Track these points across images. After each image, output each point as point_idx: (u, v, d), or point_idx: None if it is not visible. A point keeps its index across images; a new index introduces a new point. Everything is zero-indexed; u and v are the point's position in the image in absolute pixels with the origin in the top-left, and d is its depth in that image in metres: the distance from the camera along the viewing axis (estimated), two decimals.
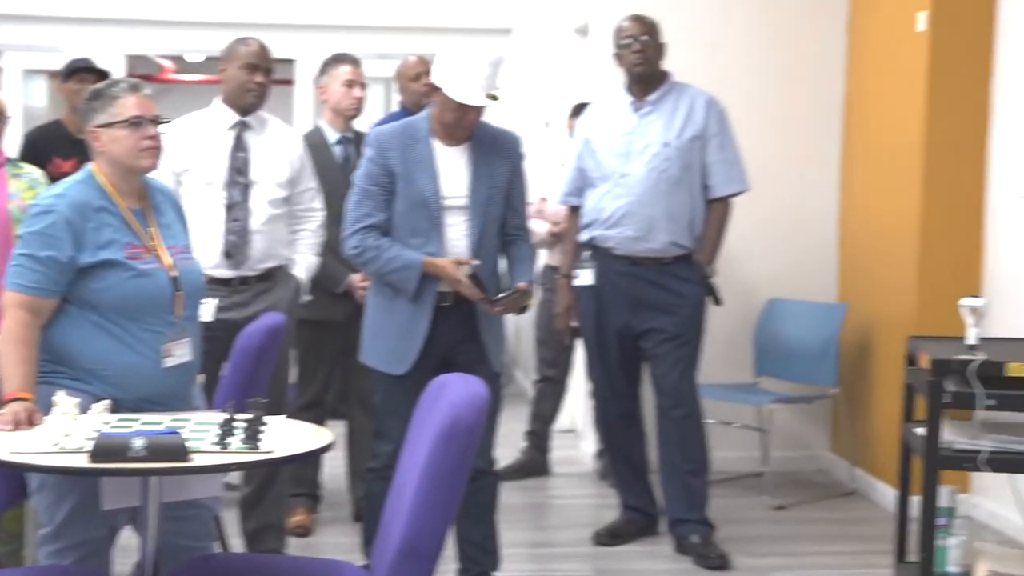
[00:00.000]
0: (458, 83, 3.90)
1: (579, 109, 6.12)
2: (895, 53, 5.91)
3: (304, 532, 4.93)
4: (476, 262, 4.01)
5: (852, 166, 6.28)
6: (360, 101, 5.05)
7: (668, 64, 4.97)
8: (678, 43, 5.40)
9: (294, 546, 4.69)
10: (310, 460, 4.88)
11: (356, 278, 4.64)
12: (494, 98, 3.99)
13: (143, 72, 11.35)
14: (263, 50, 4.46)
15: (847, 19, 6.32)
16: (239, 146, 4.39)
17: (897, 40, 5.85)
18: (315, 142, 4.90)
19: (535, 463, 6.13)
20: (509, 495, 5.24)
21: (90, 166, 3.35)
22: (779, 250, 6.26)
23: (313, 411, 4.89)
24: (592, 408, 5.71)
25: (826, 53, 6.42)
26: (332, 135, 4.98)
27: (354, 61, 5.07)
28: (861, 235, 6.18)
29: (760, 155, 5.72)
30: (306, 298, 4.76)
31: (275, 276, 4.46)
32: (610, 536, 4.95)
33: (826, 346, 5.84)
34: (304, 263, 4.58)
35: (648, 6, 5.33)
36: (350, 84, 5.01)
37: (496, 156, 4.12)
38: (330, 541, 4.85)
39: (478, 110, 3.97)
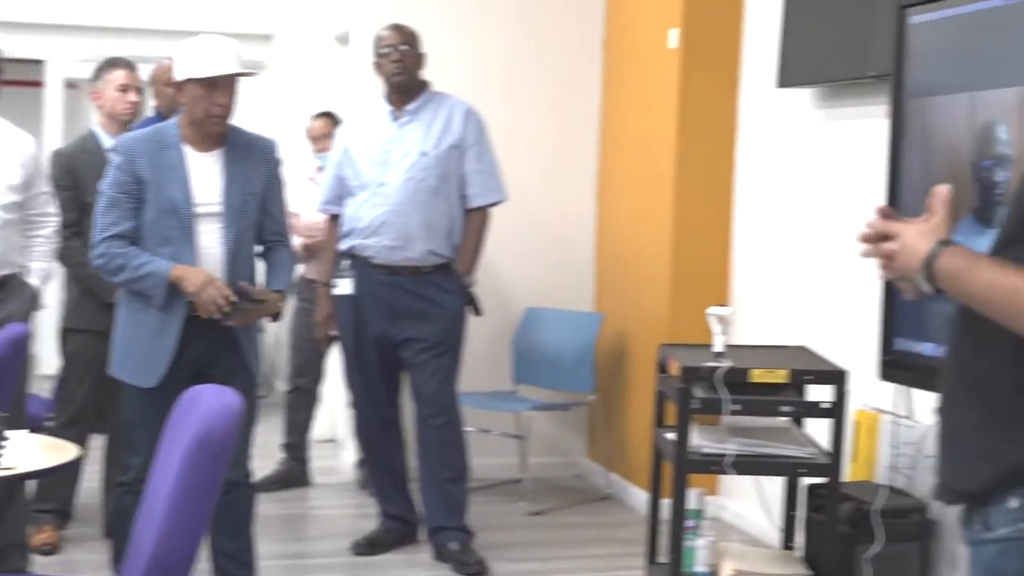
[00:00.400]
0: (203, 61, 3.90)
1: (323, 116, 6.30)
2: (648, 69, 6.06)
3: (51, 550, 4.82)
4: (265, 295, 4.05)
5: (608, 179, 6.44)
6: (135, 106, 5.01)
7: (428, 74, 4.99)
8: (438, 53, 5.44)
9: (40, 565, 4.58)
10: (61, 475, 4.69)
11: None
12: (249, 71, 4.02)
13: None
14: None
15: (602, 35, 6.43)
16: None
17: (650, 56, 6.00)
18: (90, 147, 4.86)
19: (294, 474, 6.07)
20: (266, 507, 5.22)
21: None
22: (537, 260, 6.34)
23: (75, 426, 4.83)
24: (352, 417, 5.67)
25: (582, 68, 6.58)
26: (107, 140, 4.88)
27: (129, 65, 5.01)
28: (617, 246, 6.33)
29: (518, 166, 5.85)
30: (65, 309, 4.76)
31: (8, 285, 4.38)
32: (369, 546, 4.95)
33: (582, 354, 5.91)
34: (39, 270, 4.51)
35: (408, 16, 5.35)
36: (124, 89, 4.96)
37: (251, 161, 4.09)
38: (80, 558, 4.76)
39: (229, 92, 3.95)
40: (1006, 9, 3.25)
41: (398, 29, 4.85)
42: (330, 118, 6.30)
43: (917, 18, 3.88)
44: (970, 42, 3.71)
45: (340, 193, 4.93)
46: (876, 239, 2.11)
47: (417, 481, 4.99)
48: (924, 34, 3.88)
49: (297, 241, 5.73)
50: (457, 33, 6.14)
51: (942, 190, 2.12)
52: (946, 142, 3.82)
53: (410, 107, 4.83)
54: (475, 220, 4.90)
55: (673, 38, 5.66)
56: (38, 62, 8.85)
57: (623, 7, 6.34)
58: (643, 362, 5.69)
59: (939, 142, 3.83)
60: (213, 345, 3.98)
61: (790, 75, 5.04)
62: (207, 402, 2.86)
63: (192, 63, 3.91)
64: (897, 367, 3.87)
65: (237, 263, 3.98)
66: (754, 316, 5.41)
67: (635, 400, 5.87)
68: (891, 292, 3.91)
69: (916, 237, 2.02)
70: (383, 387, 4.97)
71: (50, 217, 4.55)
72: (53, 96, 8.76)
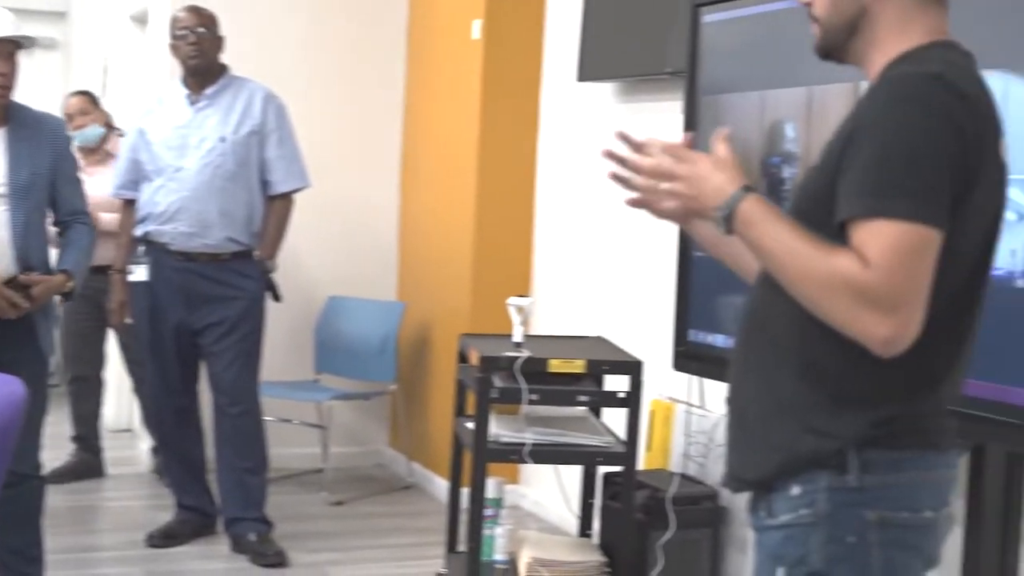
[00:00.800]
0: None
1: (80, 95, 6.23)
2: (451, 60, 6.06)
3: None
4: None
5: (412, 168, 6.43)
6: None
7: (227, 58, 4.95)
8: (237, 37, 5.39)
9: None
10: None
11: None
12: (29, 38, 3.93)
13: None
14: None
15: (407, 22, 6.41)
16: None
17: (453, 47, 6.00)
18: None
19: (86, 465, 5.93)
20: (57, 499, 5.16)
21: None
22: (339, 248, 6.31)
23: None
24: (143, 407, 5.69)
25: (386, 54, 6.54)
26: None
27: None
28: (420, 236, 6.34)
29: (321, 153, 5.80)
30: None
31: None
32: (164, 537, 4.90)
33: (384, 344, 5.93)
34: None
35: None
36: None
37: (38, 140, 4.01)
38: None
39: (7, 61, 3.86)
40: (792, 11, 3.29)
41: (195, 11, 4.82)
42: (87, 96, 6.23)
43: (709, 17, 3.95)
44: (760, 42, 3.78)
45: (135, 177, 4.86)
46: (655, 172, 2.11)
47: (216, 472, 4.94)
48: (716, 33, 3.95)
49: None
50: (257, 17, 6.09)
51: (723, 130, 2.13)
52: (737, 138, 3.83)
53: (208, 91, 4.78)
54: (277, 207, 4.88)
55: (476, 29, 5.65)
56: None
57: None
58: (445, 352, 5.74)
59: (731, 138, 3.79)
60: (4, 329, 3.89)
61: (590, 69, 5.08)
62: None
63: None
64: (690, 358, 3.94)
65: (27, 246, 3.88)
66: (554, 307, 5.47)
67: (436, 390, 5.91)
68: (685, 285, 4.00)
69: (712, 168, 2.02)
70: (179, 376, 4.91)
71: None
72: None
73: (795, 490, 2.06)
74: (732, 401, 2.20)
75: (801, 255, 1.93)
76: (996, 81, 2.51)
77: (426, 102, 6.29)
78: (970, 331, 2.06)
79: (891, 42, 2.02)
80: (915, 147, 1.88)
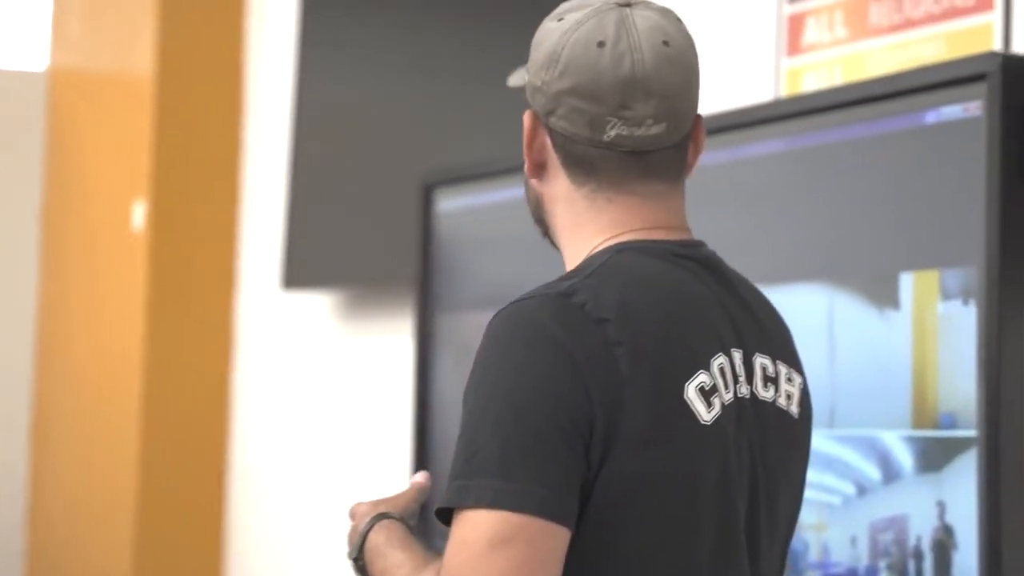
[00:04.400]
0: None
1: None
2: (108, 253, 4.89)
3: None
4: None
5: (43, 421, 5.33)
6: None
7: None
8: None
9: None
10: None
11: None
12: None
13: None
14: None
15: (40, 200, 5.26)
16: None
17: (110, 237, 4.83)
18: None
19: None
20: None
21: None
22: None
23: None
24: None
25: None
26: None
27: None
28: (55, 512, 5.16)
29: None
30: None
31: None
32: None
33: None
34: None
35: None
36: None
37: None
38: None
39: None
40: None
41: None
42: None
43: (447, 203, 3.44)
44: (520, 234, 3.39)
45: None
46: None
47: None
48: (460, 223, 3.47)
49: None
50: None
51: (419, 478, 1.71)
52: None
53: None
54: None
55: (137, 217, 4.50)
56: None
57: (68, 157, 5.30)
58: None
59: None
60: None
61: (299, 267, 4.19)
62: None
63: None
64: None
65: None
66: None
67: None
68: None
69: (363, 512, 1.57)
70: None
71: None
72: None
73: None
74: None
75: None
76: (796, 293, 2.45)
77: (70, 307, 5.15)
78: None
79: (570, 242, 1.65)
80: (506, 403, 1.55)
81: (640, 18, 1.37)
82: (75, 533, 5.00)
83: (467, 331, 3.01)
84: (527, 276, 2.78)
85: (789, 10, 2.73)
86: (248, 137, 4.64)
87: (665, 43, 1.36)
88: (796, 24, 2.73)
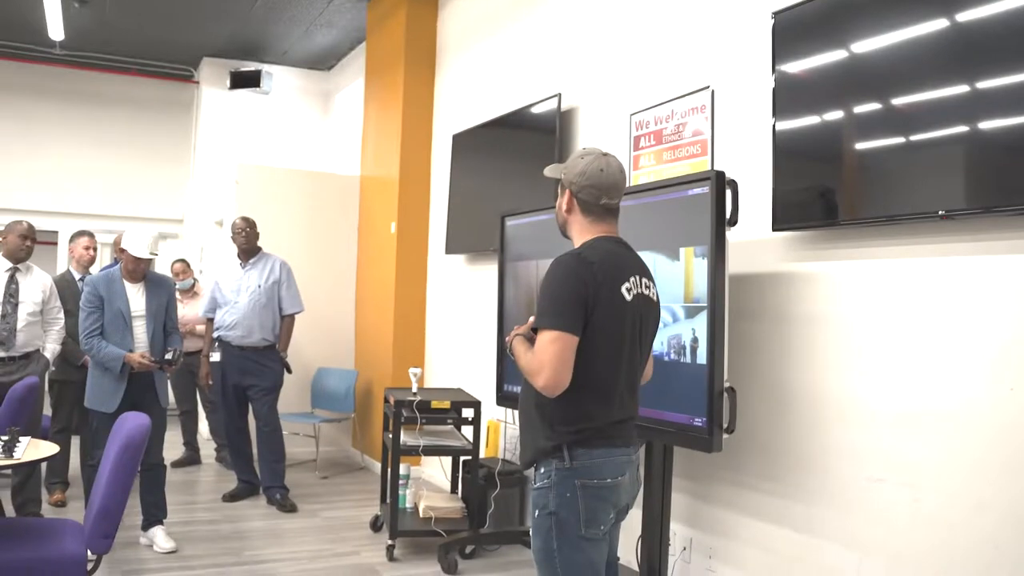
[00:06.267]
0: (134, 246, 4.35)
1: (180, 261, 6.77)
2: (381, 243, 6.49)
3: (62, 503, 5.29)
4: (168, 355, 4.41)
5: (361, 299, 6.97)
6: (93, 258, 5.53)
7: (261, 242, 5.61)
8: (265, 231, 5.91)
9: (52, 513, 5.00)
10: (59, 458, 5.15)
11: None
12: (154, 255, 4.41)
13: None
14: (30, 228, 4.85)
15: (358, 219, 6.77)
16: (11, 281, 4.76)
17: (382, 236, 6.37)
18: (68, 279, 5.35)
19: (192, 459, 6.72)
20: (176, 476, 6.13)
21: None
22: (322, 341, 6.99)
23: (63, 432, 5.21)
24: (217, 428, 6.52)
25: (347, 239, 7.08)
26: (76, 276, 5.42)
27: (90, 234, 5.58)
28: (364, 331, 6.90)
29: (312, 289, 6.49)
30: (52, 368, 5.01)
31: (32, 356, 4.76)
32: (231, 496, 5.62)
33: (348, 392, 6.68)
34: (50, 349, 4.87)
35: (251, 212, 5.92)
36: (87, 247, 5.48)
37: (158, 289, 4.52)
38: (76, 507, 5.12)
39: (146, 262, 4.41)
40: (550, 220, 3.39)
41: (244, 218, 5.64)
42: (184, 263, 6.95)
43: (510, 222, 4.48)
44: (534, 235, 4.28)
45: (214, 306, 5.66)
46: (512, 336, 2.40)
47: (257, 461, 5.65)
48: (513, 230, 4.45)
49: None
50: (279, 219, 6.90)
51: (531, 320, 2.35)
52: (525, 284, 4.34)
53: (251, 261, 5.60)
54: (287, 321, 5.56)
55: (393, 227, 6.53)
56: (54, 232, 9.24)
57: (367, 208, 7.04)
58: (378, 397, 6.51)
59: (522, 284, 4.35)
60: (141, 389, 4.41)
61: (451, 247, 5.86)
62: (130, 421, 3.12)
63: (130, 242, 4.36)
64: (505, 398, 4.43)
65: (155, 343, 4.43)
66: (436, 372, 6.22)
67: (374, 416, 6.58)
68: (502, 359, 4.42)
69: (514, 332, 2.38)
70: (237, 411, 5.61)
71: (58, 319, 4.90)
72: (63, 251, 8.97)
73: (541, 469, 2.37)
74: (519, 420, 2.44)
75: (521, 357, 2.29)
76: (647, 255, 3.01)
77: (367, 265, 6.90)
78: (616, 382, 2.31)
79: (578, 238, 2.41)
80: (556, 291, 2.24)
81: (611, 159, 2.32)
82: (375, 342, 6.58)
83: (517, 270, 4.22)
84: (536, 249, 4.19)
85: (634, 153, 4.05)
86: (432, 198, 6.35)
87: (620, 169, 2.30)
88: (636, 159, 4.05)
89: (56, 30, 7.91)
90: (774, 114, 3.34)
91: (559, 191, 2.44)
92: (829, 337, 3.29)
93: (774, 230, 3.36)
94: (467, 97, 6.04)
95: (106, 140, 9.49)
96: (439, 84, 6.44)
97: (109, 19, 7.96)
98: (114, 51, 9.07)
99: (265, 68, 8.97)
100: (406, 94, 6.39)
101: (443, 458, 5.30)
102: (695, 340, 3.21)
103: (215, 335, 5.64)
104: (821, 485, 3.32)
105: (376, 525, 5.10)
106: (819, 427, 3.30)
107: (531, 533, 2.40)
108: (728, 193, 3.29)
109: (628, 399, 2.37)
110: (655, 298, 2.47)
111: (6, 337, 4.64)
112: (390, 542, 4.61)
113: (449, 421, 4.59)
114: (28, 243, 4.80)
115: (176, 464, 6.59)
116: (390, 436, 4.55)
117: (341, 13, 7.53)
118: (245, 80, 8.93)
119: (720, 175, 3.24)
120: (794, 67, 3.28)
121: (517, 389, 3.97)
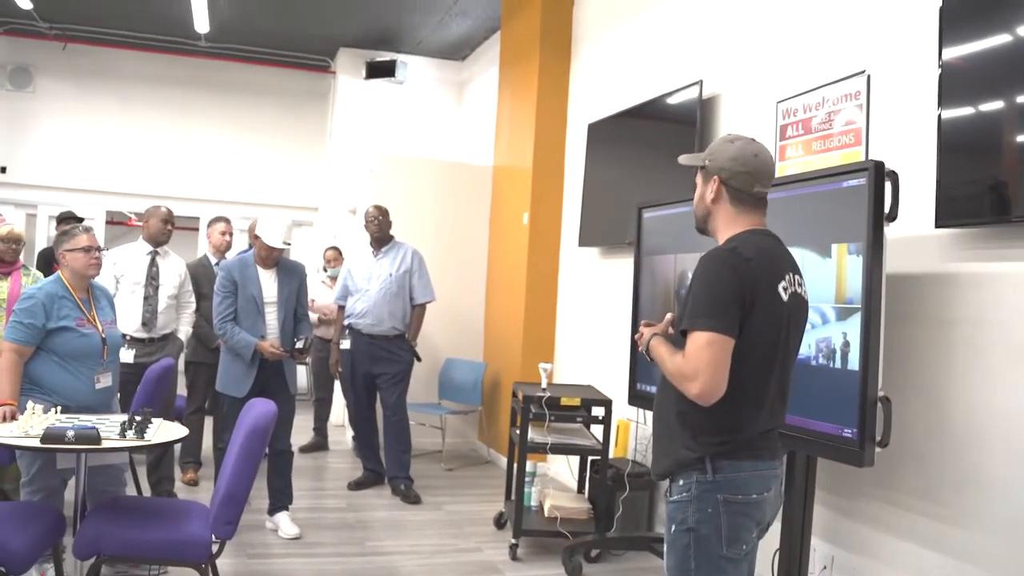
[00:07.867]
0: (268, 235, 4.41)
1: (333, 248, 6.84)
2: (513, 233, 6.46)
3: (195, 483, 5.42)
4: (298, 344, 4.44)
5: (491, 287, 7.01)
6: (229, 243, 5.67)
7: (393, 230, 5.56)
8: (399, 219, 5.87)
9: (185, 491, 5.12)
10: (192, 439, 5.34)
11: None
12: (287, 244, 4.47)
13: (118, 220, 11.63)
14: (170, 212, 5.00)
15: (489, 210, 6.63)
16: (152, 264, 4.88)
17: (514, 226, 6.31)
18: (204, 264, 5.48)
19: (319, 444, 6.78)
20: (303, 462, 6.17)
21: (59, 272, 3.57)
22: (451, 332, 6.97)
23: (198, 413, 5.38)
24: (349, 415, 6.10)
25: (479, 230, 7.01)
26: (213, 260, 5.57)
27: (227, 220, 5.72)
28: (494, 325, 6.89)
29: (444, 280, 6.48)
30: (185, 350, 5.20)
31: (168, 338, 4.90)
32: (357, 485, 5.60)
33: (475, 384, 6.63)
34: (184, 331, 5.00)
35: (383, 200, 6.03)
36: (224, 233, 5.62)
37: (290, 275, 4.56)
38: (207, 486, 5.28)
39: (280, 250, 4.47)
40: (687, 212, 3.44)
41: (377, 207, 5.61)
42: (336, 250, 7.14)
43: (647, 214, 4.39)
44: (673, 228, 4.19)
45: (345, 294, 5.62)
46: (638, 332, 2.40)
47: (384, 450, 5.62)
48: (651, 223, 4.37)
49: (313, 316, 6.39)
50: (412, 209, 6.88)
51: (668, 316, 2.34)
52: (662, 279, 4.27)
53: (383, 249, 5.56)
54: (418, 310, 5.53)
55: (525, 218, 6.48)
56: (195, 218, 9.69)
57: (499, 198, 7.03)
58: (506, 391, 6.51)
59: (659, 279, 4.29)
60: (270, 375, 4.49)
61: (585, 240, 5.83)
62: (257, 407, 3.17)
63: (263, 230, 4.42)
64: (637, 397, 4.32)
65: (285, 329, 4.49)
66: (565, 368, 6.12)
67: (502, 411, 6.56)
68: (635, 357, 4.34)
69: (648, 331, 2.33)
70: (366, 400, 5.56)
71: (192, 303, 5.05)
72: (202, 236, 9.11)
73: (680, 481, 2.27)
74: (654, 424, 2.36)
75: (667, 360, 2.18)
76: (795, 252, 2.77)
77: (499, 253, 6.91)
78: (767, 389, 2.21)
79: (724, 231, 2.30)
80: (712, 289, 2.13)
81: (761, 145, 2.21)
82: (504, 335, 6.58)
83: (653, 265, 4.12)
84: (675, 243, 4.07)
85: (781, 143, 3.99)
86: (566, 189, 6.33)
87: (772, 156, 2.19)
88: (783, 149, 3.96)
89: (202, 23, 8.26)
90: (940, 101, 3.20)
91: (700, 180, 2.32)
92: (996, 345, 3.11)
93: (937, 226, 3.19)
94: (603, 85, 6.02)
95: (245, 129, 9.76)
96: (574, 72, 6.44)
97: (250, 12, 8.23)
98: (254, 43, 9.28)
99: (400, 58, 9.09)
100: (540, 83, 6.40)
101: (570, 457, 5.22)
102: (846, 344, 3.08)
103: (345, 323, 5.64)
104: (984, 508, 3.14)
105: (500, 522, 5.06)
106: (983, 444, 3.13)
107: (665, 549, 2.31)
108: (887, 185, 3.16)
109: (778, 408, 2.26)
110: (807, 298, 2.36)
111: (149, 319, 4.77)
112: (513, 541, 4.57)
113: (578, 419, 4.47)
114: (169, 227, 4.92)
115: (304, 449, 6.65)
116: (517, 432, 4.49)
117: (476, 2, 7.66)
118: (380, 70, 9.07)
119: (879, 165, 3.10)
120: (962, 51, 3.14)
121: (651, 389, 3.95)
